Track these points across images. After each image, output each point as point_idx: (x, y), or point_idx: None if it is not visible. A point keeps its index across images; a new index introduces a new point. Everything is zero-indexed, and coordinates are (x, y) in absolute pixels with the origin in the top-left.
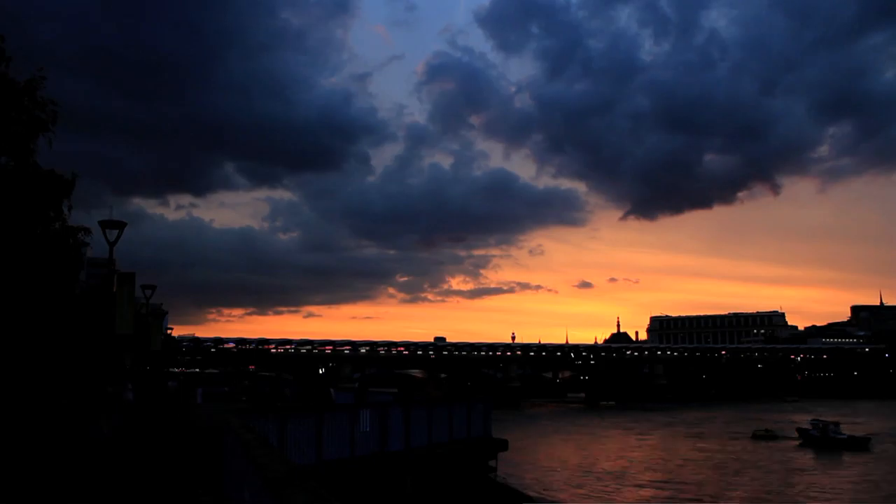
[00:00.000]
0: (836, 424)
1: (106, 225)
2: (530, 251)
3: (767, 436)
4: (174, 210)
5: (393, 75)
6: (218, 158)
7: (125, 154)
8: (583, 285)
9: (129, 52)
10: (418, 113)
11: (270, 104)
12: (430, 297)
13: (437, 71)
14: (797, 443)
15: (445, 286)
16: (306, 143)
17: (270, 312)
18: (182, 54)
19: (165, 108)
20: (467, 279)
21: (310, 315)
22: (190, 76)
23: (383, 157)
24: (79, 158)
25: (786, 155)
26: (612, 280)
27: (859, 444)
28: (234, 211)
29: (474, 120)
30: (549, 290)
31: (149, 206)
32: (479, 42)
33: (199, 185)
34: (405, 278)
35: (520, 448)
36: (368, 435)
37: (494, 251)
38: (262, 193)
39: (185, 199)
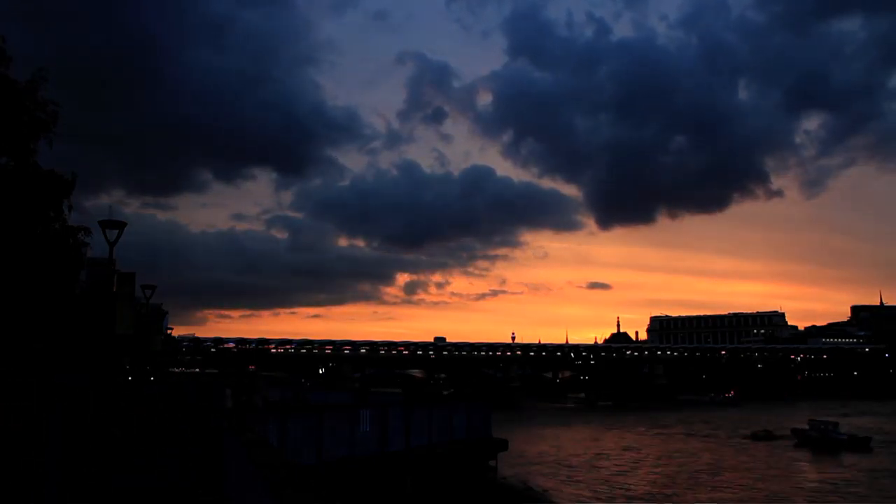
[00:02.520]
0: (836, 425)
1: (106, 225)
2: (532, 252)
3: (767, 436)
4: (150, 211)
5: (364, 70)
6: (193, 160)
7: (95, 159)
8: (582, 286)
9: (88, 59)
10: (391, 109)
11: (241, 103)
12: (430, 297)
13: (407, 64)
14: (793, 443)
15: (446, 286)
16: (289, 143)
17: (269, 313)
18: (150, 54)
19: (135, 111)
20: (467, 279)
21: (309, 316)
22: (158, 77)
23: (367, 155)
24: (48, 163)
25: (779, 153)
26: (613, 280)
27: (860, 445)
28: (218, 212)
29: (453, 115)
30: (549, 291)
31: (124, 209)
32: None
33: (177, 188)
34: (405, 278)
35: (520, 448)
36: (368, 435)
37: (495, 252)
38: (246, 194)
39: (163, 201)
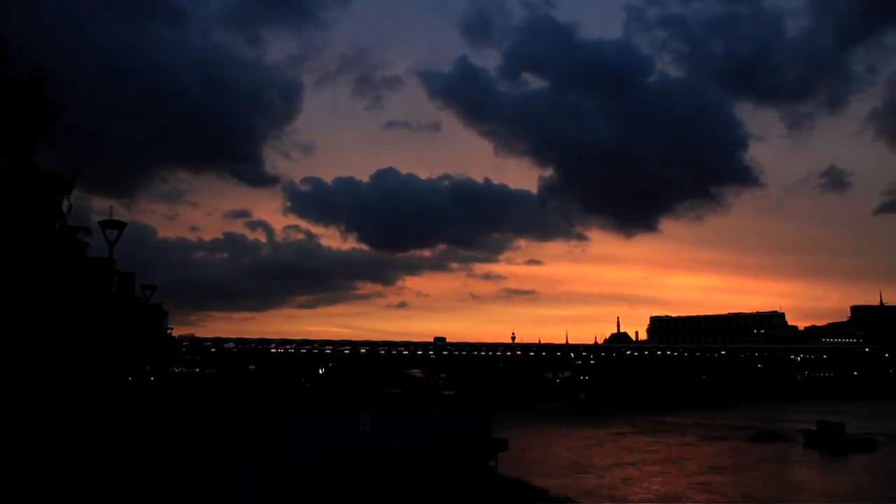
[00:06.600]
0: (841, 425)
1: (106, 225)
2: (531, 252)
3: (769, 437)
4: (135, 214)
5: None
6: (163, 162)
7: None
8: (581, 286)
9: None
10: (362, 104)
11: (213, 98)
12: (431, 296)
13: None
14: (802, 444)
15: (446, 286)
16: (268, 143)
17: (266, 314)
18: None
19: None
20: (467, 279)
21: (307, 316)
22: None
23: (360, 152)
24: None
25: (766, 147)
26: (613, 280)
27: (864, 445)
28: (210, 214)
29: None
30: (549, 291)
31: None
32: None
33: (141, 190)
34: (404, 278)
35: (519, 448)
36: (369, 435)
37: (495, 252)
38: (238, 194)
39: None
